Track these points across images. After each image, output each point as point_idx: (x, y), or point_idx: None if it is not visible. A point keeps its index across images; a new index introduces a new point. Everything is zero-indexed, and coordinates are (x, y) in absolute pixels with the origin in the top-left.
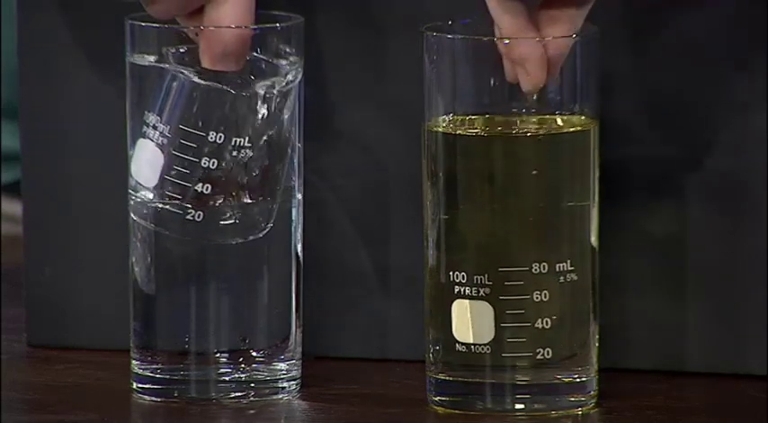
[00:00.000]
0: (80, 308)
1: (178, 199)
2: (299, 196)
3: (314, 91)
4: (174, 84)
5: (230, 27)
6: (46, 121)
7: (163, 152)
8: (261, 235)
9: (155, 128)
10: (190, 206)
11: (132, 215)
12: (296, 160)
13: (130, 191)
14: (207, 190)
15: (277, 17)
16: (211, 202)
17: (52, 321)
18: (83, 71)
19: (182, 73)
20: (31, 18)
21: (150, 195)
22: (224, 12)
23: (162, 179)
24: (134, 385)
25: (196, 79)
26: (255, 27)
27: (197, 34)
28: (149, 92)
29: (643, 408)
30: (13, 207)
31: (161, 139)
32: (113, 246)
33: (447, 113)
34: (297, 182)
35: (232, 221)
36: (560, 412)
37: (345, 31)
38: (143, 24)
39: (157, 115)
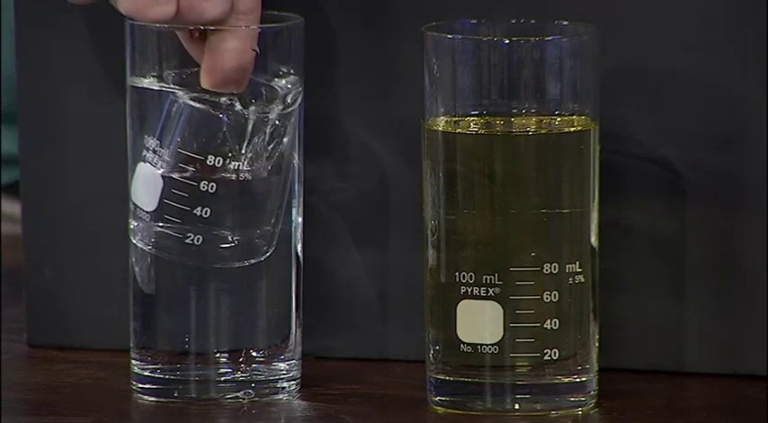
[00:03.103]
0: (80, 308)
1: (177, 222)
2: (300, 197)
3: (314, 91)
4: (174, 108)
5: (235, 27)
6: (44, 122)
7: (162, 176)
8: (263, 259)
9: (154, 152)
10: (189, 230)
11: (132, 239)
12: (296, 179)
13: (130, 214)
14: (206, 214)
15: (277, 17)
16: (211, 226)
17: (52, 322)
18: (80, 74)
19: (180, 97)
20: (29, 23)
21: (149, 219)
22: (227, 38)
23: (161, 203)
24: (134, 385)
25: (195, 103)
26: (258, 27)
27: (193, 34)
28: (149, 116)
29: (643, 408)
30: (13, 207)
31: (160, 162)
32: (113, 246)
33: (447, 113)
34: (297, 187)
35: (232, 245)
36: (560, 412)
37: (346, 30)
38: (143, 24)
39: (157, 139)
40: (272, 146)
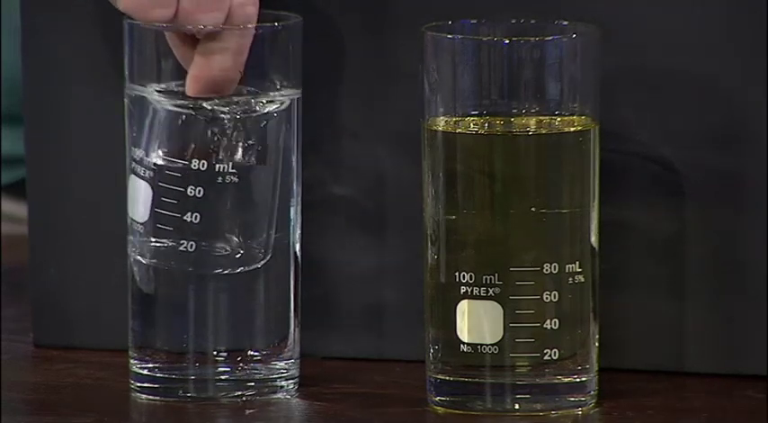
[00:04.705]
0: (86, 308)
1: (170, 231)
2: (298, 196)
3: (313, 91)
4: (156, 114)
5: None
6: (50, 122)
7: (151, 185)
8: (260, 265)
9: (141, 162)
10: (182, 237)
11: (131, 253)
12: (295, 179)
13: (129, 229)
14: (196, 219)
15: (276, 17)
16: (202, 233)
17: (58, 322)
18: (86, 75)
19: (162, 102)
20: (35, 24)
21: (143, 231)
22: (218, 44)
23: (153, 213)
24: (133, 384)
25: (175, 108)
26: (257, 26)
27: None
28: (138, 127)
29: (643, 408)
30: (14, 207)
31: (148, 172)
32: (118, 246)
33: (447, 113)
34: (296, 186)
35: (227, 252)
36: (560, 412)
37: (345, 30)
38: (141, 24)
39: (143, 150)
40: (258, 148)
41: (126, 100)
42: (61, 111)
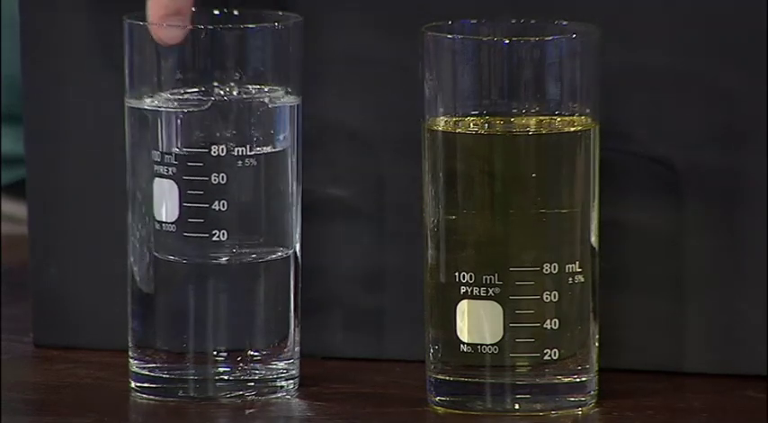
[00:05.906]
0: (86, 308)
1: (201, 222)
2: (298, 196)
3: (313, 90)
4: (168, 112)
5: None
6: (50, 122)
7: (175, 181)
8: (288, 254)
9: (161, 161)
10: (214, 227)
11: (157, 254)
12: (295, 178)
13: (154, 234)
14: (224, 207)
15: (276, 17)
16: (231, 220)
17: (59, 322)
18: (86, 74)
19: (171, 99)
20: (35, 23)
21: (176, 230)
22: None
23: (182, 208)
24: (132, 384)
25: (189, 109)
26: (257, 26)
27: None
28: (148, 132)
29: (643, 408)
30: (14, 207)
31: (170, 169)
32: (119, 246)
33: (447, 113)
34: (296, 185)
35: (259, 241)
36: (560, 412)
37: (345, 30)
38: (141, 23)
39: (161, 150)
40: (272, 131)
41: (127, 110)
42: (61, 111)
